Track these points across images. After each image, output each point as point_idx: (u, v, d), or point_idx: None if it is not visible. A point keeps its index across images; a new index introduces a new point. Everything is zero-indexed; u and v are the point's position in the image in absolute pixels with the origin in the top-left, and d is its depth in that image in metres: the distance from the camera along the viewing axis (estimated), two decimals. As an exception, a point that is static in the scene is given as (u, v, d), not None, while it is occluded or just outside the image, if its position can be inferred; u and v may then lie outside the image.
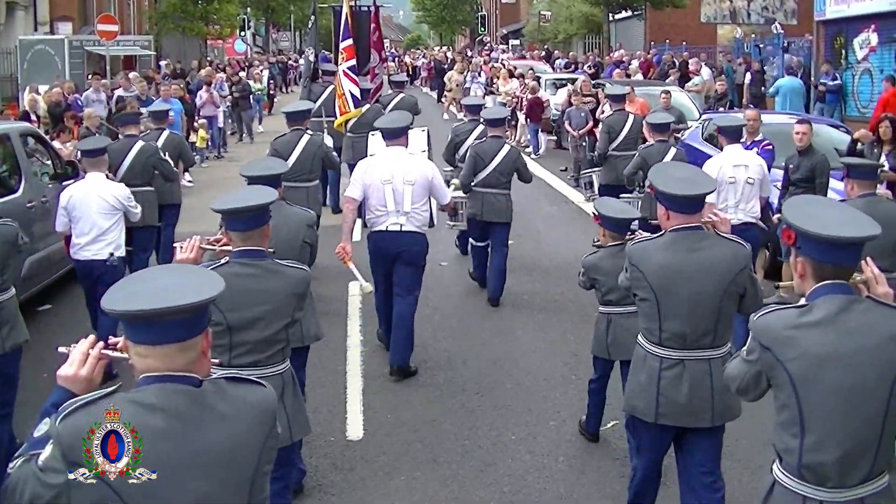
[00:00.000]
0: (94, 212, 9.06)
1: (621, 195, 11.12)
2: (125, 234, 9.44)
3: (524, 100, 24.87)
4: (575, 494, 6.82)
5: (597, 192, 13.96)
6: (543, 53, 43.63)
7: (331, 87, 16.70)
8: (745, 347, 4.02)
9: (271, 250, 5.39)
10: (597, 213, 7.25)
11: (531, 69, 30.12)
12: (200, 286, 3.04)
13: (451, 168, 12.67)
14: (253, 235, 5.24)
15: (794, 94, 22.94)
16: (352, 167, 14.48)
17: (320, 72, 19.26)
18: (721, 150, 10.33)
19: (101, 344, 3.29)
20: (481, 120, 12.49)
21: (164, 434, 2.91)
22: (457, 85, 32.98)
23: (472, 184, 11.26)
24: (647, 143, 11.85)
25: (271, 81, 37.33)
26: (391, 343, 9.18)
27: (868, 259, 3.98)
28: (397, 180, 8.78)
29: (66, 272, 11.59)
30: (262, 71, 35.47)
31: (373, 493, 6.84)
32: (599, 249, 7.22)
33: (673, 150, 11.49)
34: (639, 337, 5.64)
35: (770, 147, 11.29)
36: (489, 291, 11.54)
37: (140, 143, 11.28)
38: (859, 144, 12.59)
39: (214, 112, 24.55)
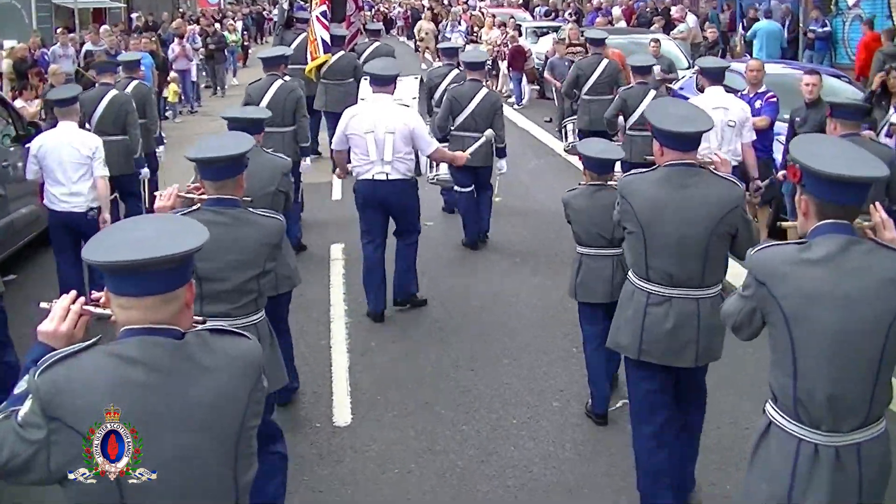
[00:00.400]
0: (66, 161, 8.85)
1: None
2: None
3: (505, 49, 24.27)
4: (586, 487, 6.24)
5: (572, 139, 14.04)
6: (522, 1, 42.78)
7: (303, 34, 16.35)
8: (742, 283, 4.00)
9: (248, 199, 5.28)
10: (579, 153, 7.20)
11: (511, 17, 29.39)
12: (184, 236, 2.94)
13: (429, 116, 12.35)
14: (227, 185, 5.16)
15: (772, 38, 22.40)
16: (328, 114, 14.25)
17: (294, 20, 18.80)
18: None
19: (82, 299, 3.17)
20: (456, 64, 12.49)
21: (146, 388, 2.81)
22: (426, 34, 32.15)
23: (452, 128, 11.11)
24: (628, 85, 11.81)
25: (245, 32, 36.69)
26: (394, 277, 9.33)
27: (877, 203, 3.95)
28: (379, 129, 8.69)
29: (32, 239, 11.08)
30: (236, 22, 34.80)
31: (363, 489, 6.26)
32: (579, 186, 7.07)
33: (653, 93, 11.32)
34: (629, 273, 5.55)
35: (774, 99, 10.75)
36: (480, 222, 11.50)
37: (113, 92, 10.99)
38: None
39: (187, 65, 24.03)
